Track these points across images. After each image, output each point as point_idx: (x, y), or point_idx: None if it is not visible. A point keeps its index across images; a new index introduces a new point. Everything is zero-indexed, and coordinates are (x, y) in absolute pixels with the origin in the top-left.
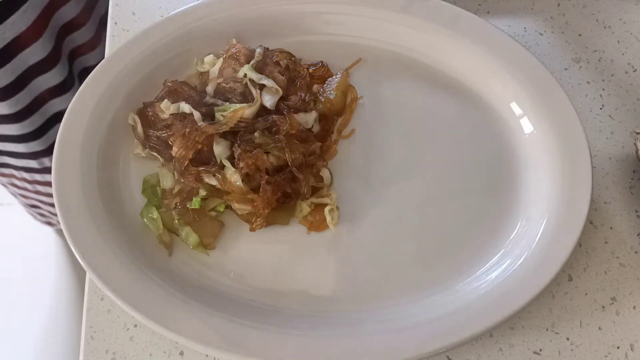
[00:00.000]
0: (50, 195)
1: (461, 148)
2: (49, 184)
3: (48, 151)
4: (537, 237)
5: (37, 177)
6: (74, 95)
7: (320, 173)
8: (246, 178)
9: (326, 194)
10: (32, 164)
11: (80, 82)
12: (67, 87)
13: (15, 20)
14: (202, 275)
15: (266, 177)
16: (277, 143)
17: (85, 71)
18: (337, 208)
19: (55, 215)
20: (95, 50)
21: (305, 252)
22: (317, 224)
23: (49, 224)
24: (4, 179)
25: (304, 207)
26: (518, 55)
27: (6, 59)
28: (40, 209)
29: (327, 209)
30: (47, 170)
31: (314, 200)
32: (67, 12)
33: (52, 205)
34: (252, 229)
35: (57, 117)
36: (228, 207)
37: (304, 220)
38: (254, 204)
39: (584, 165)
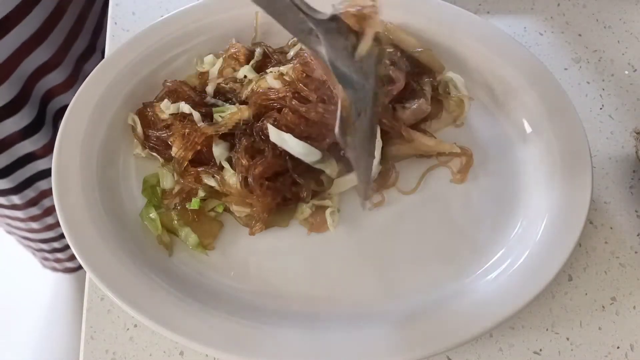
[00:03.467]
0: (20, 229)
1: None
2: (19, 219)
3: (16, 189)
4: (537, 237)
5: (7, 212)
6: (45, 135)
7: (321, 177)
8: (245, 181)
9: (327, 196)
10: (1, 200)
11: (55, 123)
12: (37, 128)
13: None
14: (202, 275)
15: (266, 182)
16: (276, 149)
17: (61, 111)
18: (338, 210)
19: (32, 247)
20: (72, 88)
21: (305, 252)
22: (317, 225)
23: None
24: None
25: (305, 210)
26: (518, 55)
27: None
28: (16, 236)
29: (328, 211)
30: (17, 207)
31: (315, 202)
32: (37, 57)
33: (25, 237)
34: (251, 233)
35: (25, 159)
36: (227, 209)
37: (304, 222)
38: (253, 209)
39: (584, 165)
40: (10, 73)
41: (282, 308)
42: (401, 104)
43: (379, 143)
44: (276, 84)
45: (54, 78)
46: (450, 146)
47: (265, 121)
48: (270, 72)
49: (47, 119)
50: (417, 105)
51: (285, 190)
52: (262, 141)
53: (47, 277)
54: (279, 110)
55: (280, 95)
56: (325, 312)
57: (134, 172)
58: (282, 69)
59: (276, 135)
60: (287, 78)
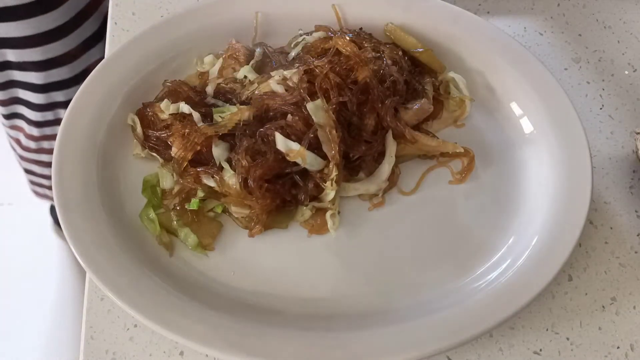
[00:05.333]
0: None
1: None
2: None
3: (66, 104)
4: (537, 237)
5: (47, 130)
6: (100, 51)
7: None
8: (244, 182)
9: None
10: (48, 116)
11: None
12: (97, 40)
13: None
14: (202, 275)
15: (266, 185)
16: (278, 153)
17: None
18: (339, 213)
19: (46, 185)
20: None
21: (305, 253)
22: (318, 227)
23: (35, 192)
24: (12, 132)
25: (305, 212)
26: (518, 55)
27: (57, 4)
28: (32, 176)
29: (328, 214)
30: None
31: (316, 204)
32: None
33: (48, 165)
34: (251, 235)
35: (84, 74)
36: (226, 211)
37: (304, 224)
38: (252, 211)
39: (584, 165)
40: None
41: (282, 308)
42: (403, 105)
43: (393, 145)
44: (279, 89)
45: None
46: (454, 146)
47: (272, 127)
48: (274, 75)
49: (103, 36)
50: (420, 106)
51: (285, 193)
52: (264, 144)
53: (48, 278)
54: (283, 115)
55: (288, 100)
56: (325, 312)
57: (134, 172)
58: (286, 73)
59: (283, 144)
60: (290, 83)
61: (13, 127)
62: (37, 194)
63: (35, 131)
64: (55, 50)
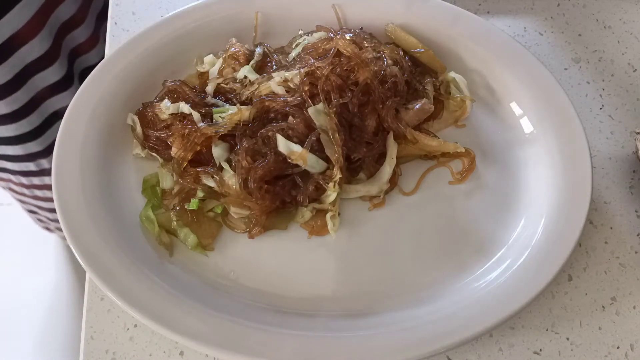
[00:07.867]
0: (48, 199)
1: None
2: (47, 187)
3: (46, 152)
4: (537, 237)
5: (35, 180)
6: (73, 93)
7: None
8: (244, 183)
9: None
10: (30, 166)
11: (81, 81)
12: (66, 85)
13: (12, 18)
14: (202, 275)
15: (265, 186)
16: (279, 155)
17: (87, 70)
18: (339, 214)
19: (53, 220)
20: (95, 48)
21: (305, 253)
22: (318, 228)
23: (47, 229)
24: (2, 183)
25: (306, 213)
26: (518, 55)
27: (3, 57)
28: (38, 215)
29: (328, 215)
30: (45, 173)
31: (316, 205)
32: (65, 10)
33: (50, 210)
34: (250, 236)
35: (55, 116)
36: (225, 214)
37: (305, 225)
38: (251, 212)
39: (584, 165)
40: (43, 22)
41: (282, 308)
42: (404, 105)
43: (394, 146)
44: (280, 90)
45: (80, 35)
46: (455, 146)
47: (273, 129)
48: (275, 77)
49: (75, 79)
50: (420, 106)
51: (284, 194)
52: (265, 145)
53: (48, 278)
54: (284, 117)
55: (289, 102)
56: (325, 312)
57: (134, 172)
58: (287, 74)
59: (285, 146)
60: (291, 84)
61: (0, 179)
62: (49, 229)
63: (23, 180)
64: (20, 100)
